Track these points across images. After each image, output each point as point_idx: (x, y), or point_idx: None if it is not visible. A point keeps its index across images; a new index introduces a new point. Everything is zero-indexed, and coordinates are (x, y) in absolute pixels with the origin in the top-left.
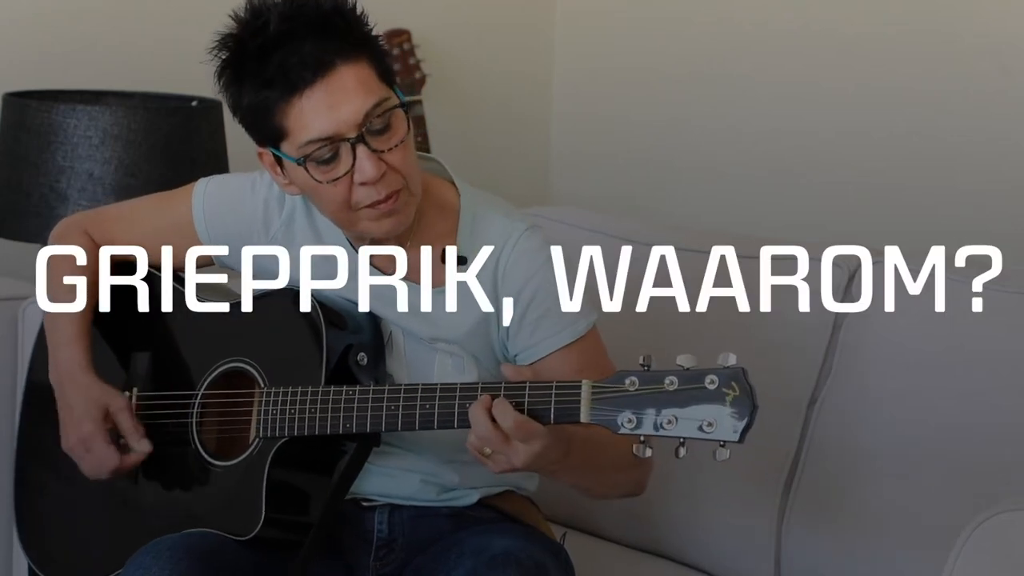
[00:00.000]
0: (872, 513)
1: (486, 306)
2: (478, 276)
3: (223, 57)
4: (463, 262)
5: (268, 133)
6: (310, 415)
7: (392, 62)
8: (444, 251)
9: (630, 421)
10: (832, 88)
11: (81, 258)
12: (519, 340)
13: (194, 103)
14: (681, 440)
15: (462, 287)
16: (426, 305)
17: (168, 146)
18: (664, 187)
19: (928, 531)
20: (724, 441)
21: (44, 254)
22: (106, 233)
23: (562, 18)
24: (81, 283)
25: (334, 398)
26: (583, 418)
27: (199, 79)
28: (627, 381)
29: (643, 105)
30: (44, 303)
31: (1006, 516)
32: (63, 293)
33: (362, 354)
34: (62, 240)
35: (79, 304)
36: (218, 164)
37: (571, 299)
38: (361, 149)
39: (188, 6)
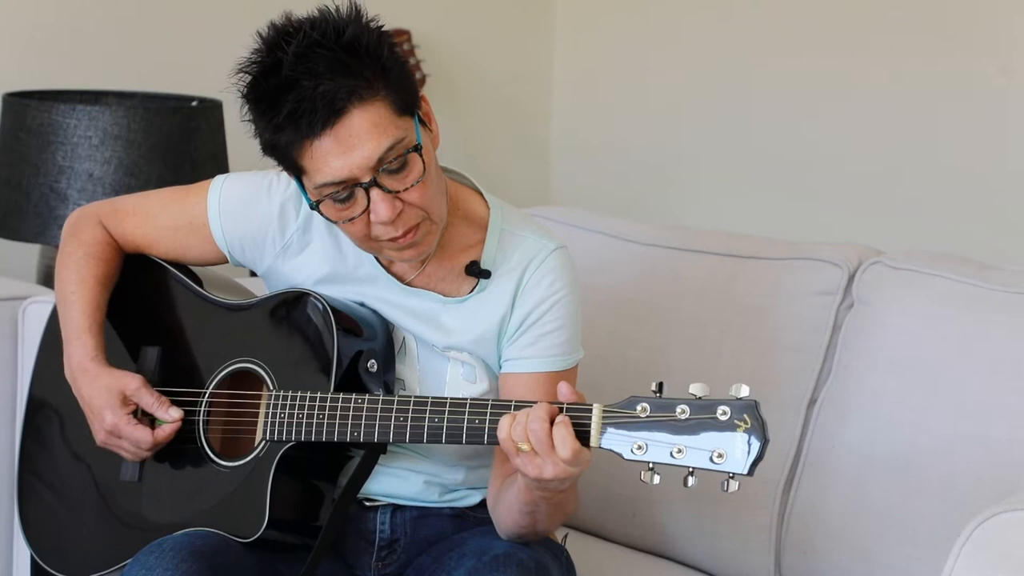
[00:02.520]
0: (872, 513)
1: (502, 318)
2: (500, 288)
3: (243, 85)
4: (486, 275)
5: (289, 168)
6: (317, 421)
7: (414, 82)
8: (469, 264)
9: (640, 448)
10: (832, 88)
11: (95, 251)
12: (512, 348)
13: (194, 103)
14: (690, 470)
15: (482, 298)
16: (444, 315)
17: (168, 146)
18: (664, 187)
19: (928, 531)
20: (734, 473)
21: (60, 245)
22: (120, 226)
23: (562, 18)
24: (92, 276)
25: (342, 405)
26: (593, 442)
27: (199, 79)
28: (639, 407)
29: (643, 105)
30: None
31: (1006, 516)
32: (73, 287)
33: (372, 361)
34: (77, 230)
35: (87, 298)
36: (218, 164)
37: (574, 330)
38: (375, 192)
39: (188, 7)
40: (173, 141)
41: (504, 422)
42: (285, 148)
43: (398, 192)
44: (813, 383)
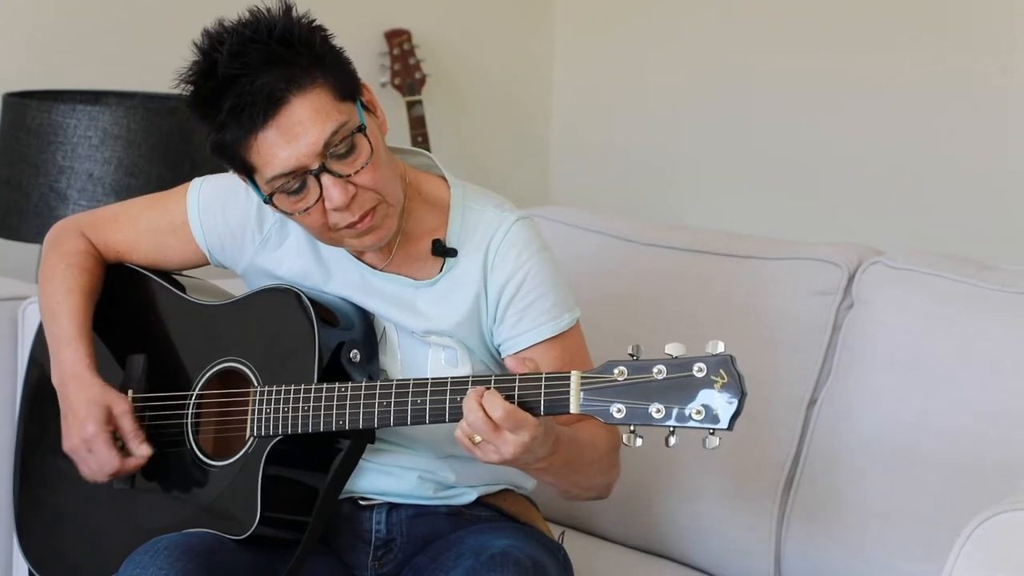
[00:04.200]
0: (872, 513)
1: (476, 296)
2: (469, 265)
3: (185, 95)
4: (453, 254)
5: (239, 168)
6: (303, 413)
7: (353, 70)
8: (434, 243)
9: (619, 411)
10: (832, 88)
11: (77, 261)
12: (502, 330)
13: None
14: (671, 429)
15: (452, 278)
16: (418, 299)
17: (168, 146)
18: (664, 187)
19: (928, 531)
20: (714, 429)
21: (42, 257)
22: (102, 234)
23: (562, 18)
24: (78, 287)
25: (326, 395)
26: (573, 408)
27: None
28: (616, 371)
29: (643, 105)
30: (41, 306)
31: (1006, 516)
32: (59, 297)
33: (355, 351)
34: (58, 242)
35: (75, 308)
36: (218, 164)
37: (557, 293)
38: (326, 177)
39: (188, 7)
40: (173, 141)
41: (457, 432)
42: (231, 146)
43: (349, 176)
44: (813, 383)
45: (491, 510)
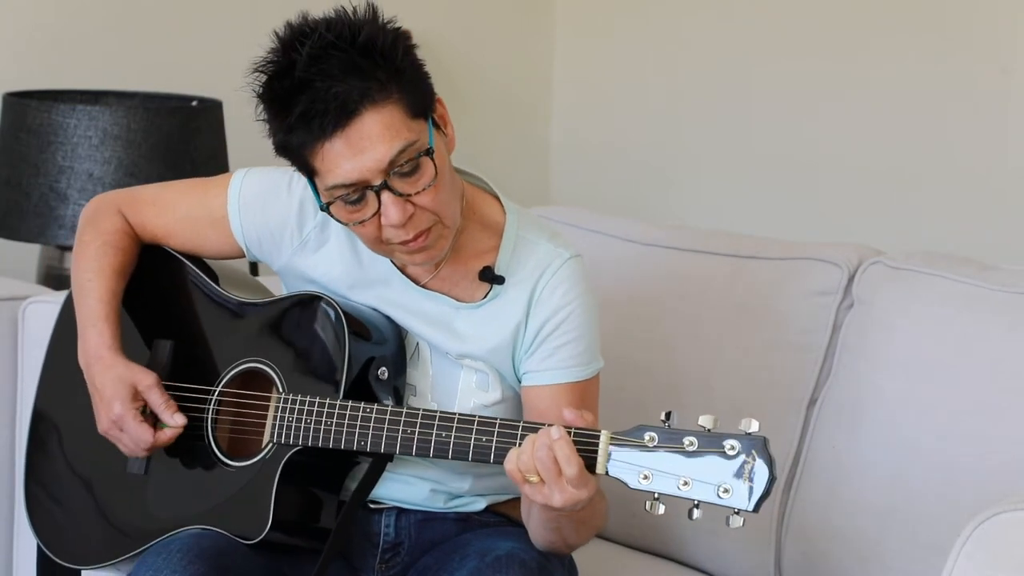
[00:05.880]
0: (872, 513)
1: (517, 326)
2: (515, 295)
3: (257, 86)
4: (500, 281)
5: (301, 168)
6: (325, 427)
7: (430, 85)
8: (483, 270)
9: (646, 478)
10: (832, 88)
11: (112, 240)
12: (531, 361)
13: (194, 103)
14: (695, 503)
15: (496, 305)
16: (457, 320)
17: (168, 146)
18: (664, 187)
19: (928, 531)
20: (739, 509)
21: (78, 231)
22: (139, 216)
23: (562, 18)
24: (109, 266)
25: (351, 414)
26: (599, 469)
27: (199, 79)
28: (646, 436)
29: (643, 105)
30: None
31: (1006, 516)
32: (90, 275)
33: (383, 368)
34: (95, 219)
35: (104, 287)
36: (218, 164)
37: (591, 339)
38: (386, 195)
39: (188, 7)
40: (173, 141)
41: (511, 455)
42: (297, 149)
43: (409, 195)
44: (813, 383)
45: (500, 517)
